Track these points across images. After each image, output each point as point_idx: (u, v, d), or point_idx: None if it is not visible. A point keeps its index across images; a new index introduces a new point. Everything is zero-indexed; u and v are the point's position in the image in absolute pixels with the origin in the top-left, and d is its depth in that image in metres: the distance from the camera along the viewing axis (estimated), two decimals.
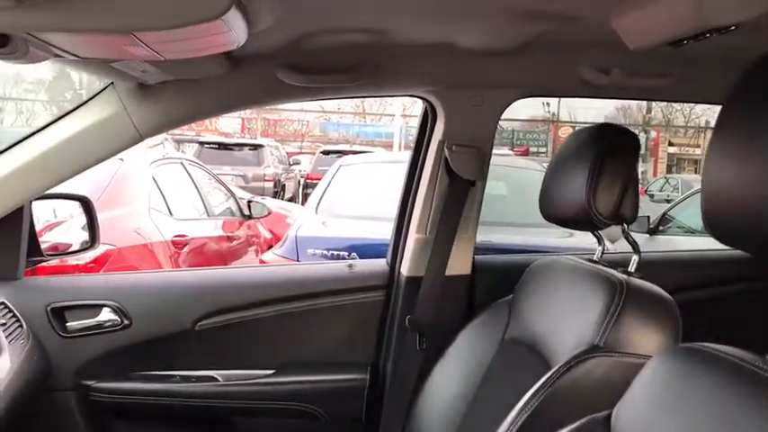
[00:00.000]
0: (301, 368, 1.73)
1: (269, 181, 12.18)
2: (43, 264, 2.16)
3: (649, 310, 1.19)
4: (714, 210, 0.66)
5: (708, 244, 1.30)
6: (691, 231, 5.31)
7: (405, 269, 1.74)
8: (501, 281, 1.59)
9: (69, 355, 1.61)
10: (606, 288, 1.20)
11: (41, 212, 2.34)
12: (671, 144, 28.91)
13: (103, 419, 1.65)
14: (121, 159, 3.77)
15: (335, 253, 3.28)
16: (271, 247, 6.04)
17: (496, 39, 1.42)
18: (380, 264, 1.84)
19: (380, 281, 1.79)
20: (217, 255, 4.40)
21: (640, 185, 1.62)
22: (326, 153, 13.20)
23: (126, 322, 1.64)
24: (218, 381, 1.69)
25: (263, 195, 8.79)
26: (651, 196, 16.39)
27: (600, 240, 1.43)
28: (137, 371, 1.67)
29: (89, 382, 1.62)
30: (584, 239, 1.51)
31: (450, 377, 1.53)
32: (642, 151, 23.58)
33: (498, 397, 1.37)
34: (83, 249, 1.94)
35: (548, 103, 25.46)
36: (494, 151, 1.72)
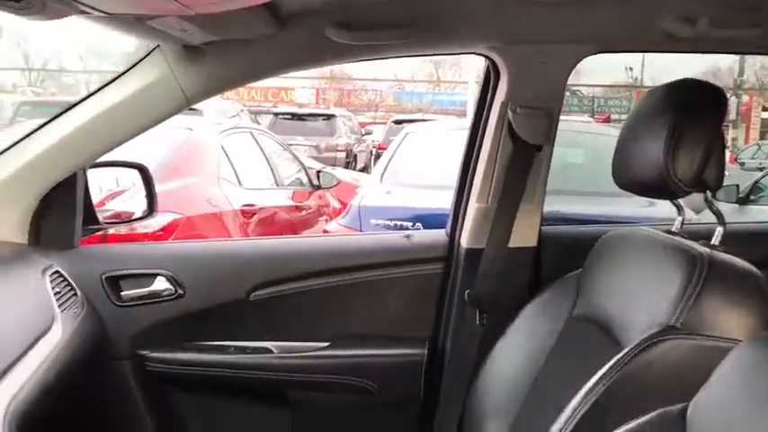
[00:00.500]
0: (357, 341, 1.67)
1: (341, 151, 12.21)
2: (110, 233, 2.19)
3: (735, 287, 1.06)
4: None
5: None
6: None
7: (465, 240, 1.65)
8: (569, 254, 1.47)
9: (124, 325, 1.60)
10: (685, 262, 1.07)
11: (104, 181, 2.37)
12: (765, 109, 27.25)
13: (158, 389, 1.64)
14: (190, 129, 3.81)
15: (399, 223, 3.21)
16: None
17: None
18: (440, 234, 1.75)
19: (439, 252, 1.70)
20: (286, 224, 4.41)
21: (730, 153, 1.45)
22: (398, 122, 13.07)
23: (180, 292, 1.62)
24: (273, 352, 1.65)
25: (334, 166, 8.82)
26: (742, 164, 15.48)
27: (680, 210, 1.29)
28: (191, 341, 1.65)
29: (144, 352, 1.61)
30: (667, 209, 1.37)
31: (513, 355, 1.43)
32: (733, 117, 22.37)
33: (563, 378, 1.27)
34: (142, 217, 1.94)
35: (630, 68, 24.42)
36: (573, 118, 1.58)
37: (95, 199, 1.72)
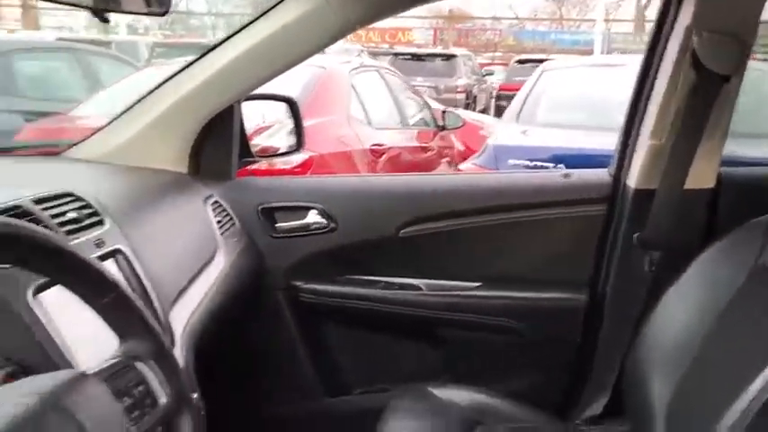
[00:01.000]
0: (509, 283, 1.61)
1: (461, 93, 11.97)
2: (252, 167, 2.21)
3: None
4: None
5: None
6: None
7: (633, 180, 1.52)
8: (751, 197, 1.33)
9: (279, 256, 1.62)
10: None
11: (251, 117, 2.40)
12: None
13: (310, 319, 1.66)
14: (323, 67, 3.81)
15: (538, 163, 3.08)
16: (465, 159, 5.95)
17: None
18: (601, 174, 1.64)
19: (602, 193, 1.59)
20: (411, 165, 4.37)
21: None
22: (522, 62, 12.61)
23: (332, 225, 1.61)
24: (421, 290, 1.62)
25: (454, 107, 8.66)
26: None
27: None
28: (342, 275, 1.65)
29: (298, 283, 1.63)
30: None
31: (685, 305, 1.32)
32: None
33: (746, 334, 1.15)
34: (289, 152, 1.95)
35: None
36: None
37: None
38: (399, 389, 1.68)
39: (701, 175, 1.47)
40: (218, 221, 1.49)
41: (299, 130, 1.85)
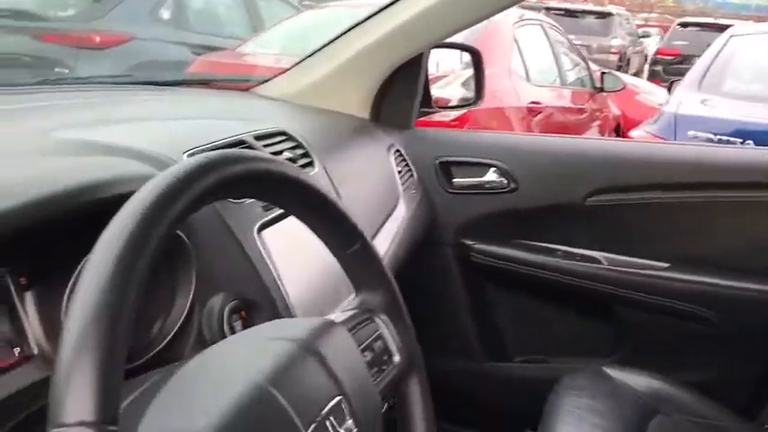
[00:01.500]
0: (701, 267, 1.48)
1: (614, 54, 11.31)
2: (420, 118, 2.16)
3: None
4: None
5: None
6: None
7: None
8: None
9: (453, 212, 1.58)
10: None
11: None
12: None
13: (478, 279, 1.61)
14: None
15: (723, 138, 2.81)
16: (618, 125, 5.61)
17: None
18: None
19: None
20: (562, 127, 4.17)
21: None
22: (684, 25, 11.68)
23: (512, 186, 1.54)
24: (602, 264, 1.52)
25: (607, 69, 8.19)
26: None
27: None
28: (517, 238, 1.58)
29: (469, 242, 1.58)
30: None
31: None
32: None
33: None
34: (466, 105, 1.88)
35: None
36: None
37: None
38: (561, 362, 1.62)
39: None
40: (399, 172, 1.46)
41: (479, 83, 1.78)
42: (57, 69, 4.22)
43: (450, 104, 2.04)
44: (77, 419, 0.36)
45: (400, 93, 1.58)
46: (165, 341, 0.67)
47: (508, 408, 1.60)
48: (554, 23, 5.02)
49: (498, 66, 3.51)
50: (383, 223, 1.28)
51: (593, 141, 2.17)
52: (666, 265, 1.48)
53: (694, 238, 1.50)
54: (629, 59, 12.16)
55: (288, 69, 1.57)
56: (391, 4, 1.47)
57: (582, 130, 4.56)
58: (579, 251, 1.54)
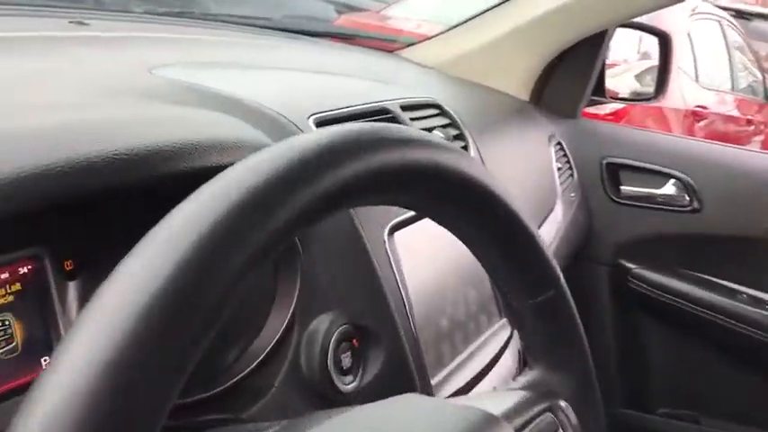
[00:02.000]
0: None
1: None
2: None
3: None
4: None
5: None
6: None
7: None
8: None
9: (615, 226, 1.31)
10: None
11: None
12: None
13: (632, 310, 1.34)
14: None
15: None
16: None
17: None
18: None
19: None
20: (723, 137, 3.69)
21: None
22: None
23: (695, 205, 1.25)
24: None
25: None
26: None
27: None
28: (689, 269, 1.29)
29: (629, 264, 1.31)
30: None
31: None
32: None
33: None
34: (643, 99, 1.59)
35: None
36: None
37: None
38: (716, 427, 1.33)
39: None
40: (559, 168, 1.21)
41: (664, 74, 1.49)
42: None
43: (620, 96, 1.74)
44: None
45: (569, 75, 1.33)
46: (249, 368, 0.49)
47: None
48: (732, 21, 4.48)
49: None
50: (542, 223, 1.05)
51: None
52: None
53: None
54: None
55: (439, 34, 1.35)
56: None
57: (743, 144, 4.05)
58: (749, 291, 1.24)
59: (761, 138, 4.46)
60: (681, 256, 1.29)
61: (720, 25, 3.92)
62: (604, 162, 1.31)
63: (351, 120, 0.62)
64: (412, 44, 1.37)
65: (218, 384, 0.46)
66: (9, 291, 0.38)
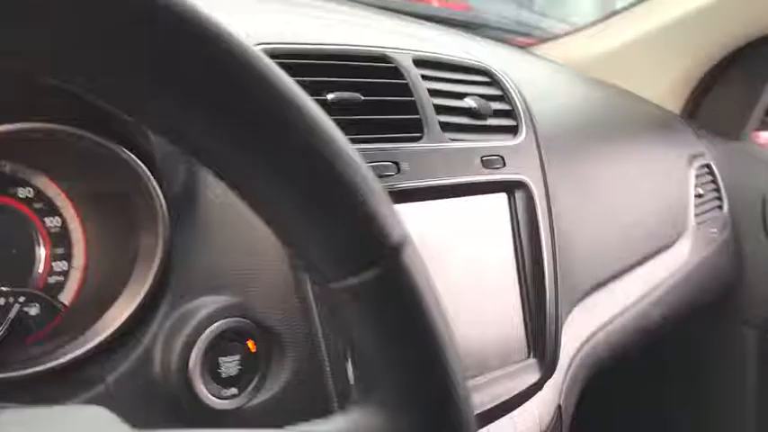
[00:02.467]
0: None
1: None
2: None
3: None
4: None
5: None
6: None
7: None
8: None
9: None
10: None
11: None
12: None
13: None
14: None
15: None
16: None
17: None
18: None
19: None
20: None
21: None
22: None
23: None
24: None
25: None
26: None
27: None
28: None
29: None
30: None
31: None
32: None
33: None
34: None
35: None
36: None
37: None
38: None
39: None
40: (699, 195, 0.98)
41: None
42: None
43: None
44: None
45: (736, 87, 1.08)
46: (77, 353, 0.38)
47: None
48: None
49: None
50: (644, 260, 0.84)
51: None
52: None
53: None
54: None
55: (579, 29, 1.18)
56: None
57: None
58: None
59: None
60: None
61: None
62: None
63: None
64: (547, 40, 1.21)
65: (30, 365, 0.36)
66: None
